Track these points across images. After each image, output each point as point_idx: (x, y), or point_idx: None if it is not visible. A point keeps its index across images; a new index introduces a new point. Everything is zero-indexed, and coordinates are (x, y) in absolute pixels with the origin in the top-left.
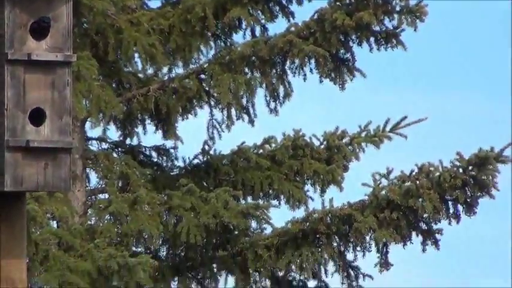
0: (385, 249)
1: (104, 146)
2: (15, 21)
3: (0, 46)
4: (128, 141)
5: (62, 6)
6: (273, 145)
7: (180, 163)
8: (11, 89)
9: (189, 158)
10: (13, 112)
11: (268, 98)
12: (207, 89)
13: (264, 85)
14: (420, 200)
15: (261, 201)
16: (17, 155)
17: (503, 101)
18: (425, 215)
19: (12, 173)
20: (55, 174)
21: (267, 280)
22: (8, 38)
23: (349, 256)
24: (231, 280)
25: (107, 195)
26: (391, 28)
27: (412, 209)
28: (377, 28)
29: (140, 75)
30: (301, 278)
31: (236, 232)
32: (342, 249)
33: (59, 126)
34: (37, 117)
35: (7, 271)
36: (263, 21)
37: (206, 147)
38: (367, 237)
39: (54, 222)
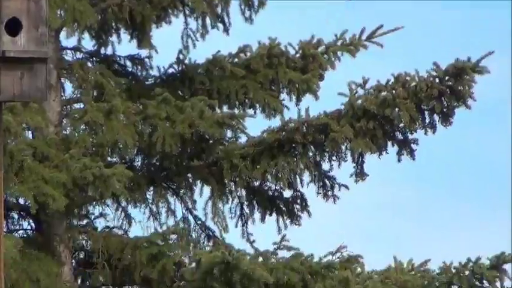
0: (360, 159)
1: (79, 55)
2: None
3: None
4: (102, 50)
5: None
6: (248, 54)
7: (155, 72)
8: None
9: (164, 67)
10: None
11: (243, 7)
12: None
13: None
14: (396, 109)
15: (236, 111)
16: None
17: (483, 8)
18: (401, 125)
19: None
20: (31, 84)
21: (243, 190)
22: None
23: (325, 166)
24: (207, 190)
25: (82, 105)
26: None
27: (388, 118)
28: None
29: None
30: (277, 187)
31: (211, 141)
32: (318, 159)
33: (35, 36)
34: (13, 27)
35: None
36: None
37: (181, 56)
38: (343, 147)
39: (29, 132)
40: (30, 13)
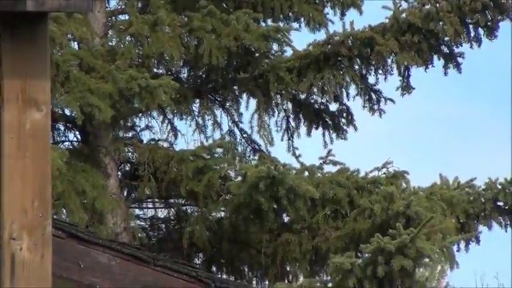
0: (406, 73)
1: None
2: None
3: None
4: None
5: None
6: None
7: None
8: None
9: None
10: None
11: None
12: None
13: None
14: (441, 23)
15: (281, 24)
16: None
17: None
18: (446, 38)
19: None
20: None
21: (289, 103)
22: None
23: (371, 79)
24: (253, 102)
25: (127, 17)
26: None
27: (433, 32)
28: None
29: None
30: (323, 100)
31: (257, 54)
32: (364, 72)
33: None
34: None
35: (31, 92)
36: None
37: None
38: (389, 61)
39: (75, 43)
40: None
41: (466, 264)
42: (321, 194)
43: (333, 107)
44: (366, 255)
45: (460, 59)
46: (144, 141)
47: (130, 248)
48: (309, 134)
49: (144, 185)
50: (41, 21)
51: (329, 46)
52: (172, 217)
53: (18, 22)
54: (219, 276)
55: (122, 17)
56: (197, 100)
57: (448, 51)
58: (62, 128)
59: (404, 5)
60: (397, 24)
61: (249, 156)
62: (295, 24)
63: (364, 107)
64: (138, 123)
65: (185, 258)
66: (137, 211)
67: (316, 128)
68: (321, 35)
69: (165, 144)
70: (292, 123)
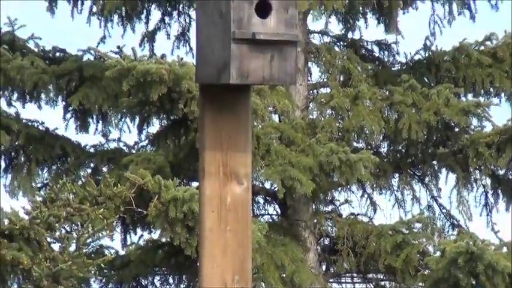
0: None
1: (326, 39)
2: None
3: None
4: (349, 35)
5: None
6: (494, 42)
7: (402, 58)
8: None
9: (410, 53)
10: (239, 3)
11: None
12: None
13: None
14: None
15: (481, 99)
16: (242, 48)
17: None
18: None
19: (238, 65)
20: (280, 68)
21: (487, 178)
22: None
23: None
24: (452, 177)
25: (328, 90)
26: None
27: None
28: None
29: None
30: None
31: (457, 129)
32: None
33: (284, 18)
34: (263, 8)
35: (232, 165)
36: None
37: (427, 42)
38: None
39: (276, 116)
40: None
41: None
42: None
43: None
44: None
45: None
46: (344, 216)
47: None
48: (507, 209)
49: (343, 259)
50: (244, 93)
51: None
52: None
53: (220, 94)
54: None
55: (323, 90)
56: (396, 174)
57: None
58: (262, 201)
59: None
60: None
61: (448, 231)
62: (495, 99)
63: None
64: (338, 197)
65: None
66: (336, 286)
67: None
68: None
69: (364, 219)
70: (491, 199)
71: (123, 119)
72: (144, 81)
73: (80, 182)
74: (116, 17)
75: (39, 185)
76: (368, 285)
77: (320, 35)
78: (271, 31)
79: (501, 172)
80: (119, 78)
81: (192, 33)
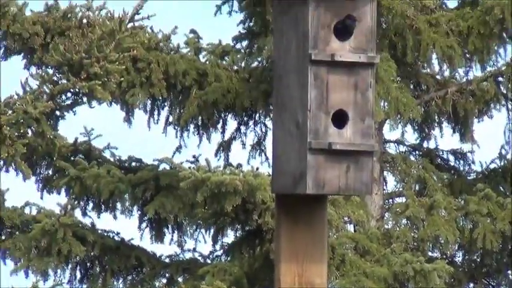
0: None
1: (402, 148)
2: (319, 21)
3: (304, 46)
4: (425, 144)
5: (366, 6)
6: None
7: (477, 167)
8: (314, 89)
9: (485, 162)
10: (316, 113)
11: None
12: (504, 91)
13: None
14: None
15: None
16: (319, 158)
17: None
18: None
19: (314, 175)
20: (357, 178)
21: None
22: (311, 38)
23: None
24: None
25: (403, 199)
26: None
27: None
28: None
29: (438, 77)
30: None
31: None
32: None
33: (361, 129)
34: (339, 119)
35: (308, 276)
36: None
37: (503, 151)
38: None
39: (351, 226)
40: (357, 105)
41: None
42: None
43: None
44: None
45: None
46: None
47: None
48: None
49: None
50: (320, 204)
51: None
52: None
53: (296, 204)
54: None
55: (398, 200)
56: (471, 284)
57: None
58: None
59: None
60: None
61: None
62: None
63: None
64: None
65: None
66: None
67: None
68: None
69: None
70: None
71: (198, 230)
72: (219, 192)
73: None
74: (191, 127)
75: None
76: None
77: (396, 144)
78: (348, 141)
79: None
80: (194, 189)
81: (268, 143)
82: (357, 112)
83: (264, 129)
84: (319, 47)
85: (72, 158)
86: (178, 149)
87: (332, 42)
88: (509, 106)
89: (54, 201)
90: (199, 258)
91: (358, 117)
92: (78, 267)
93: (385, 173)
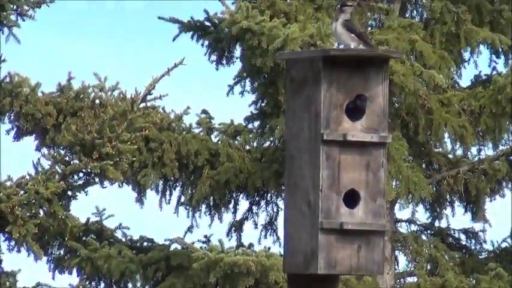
0: None
1: (413, 228)
2: (332, 101)
3: (316, 126)
4: (436, 223)
5: (378, 86)
6: None
7: (489, 246)
8: (326, 169)
9: (497, 241)
10: (327, 193)
11: None
12: None
13: None
14: None
15: None
16: (330, 237)
17: None
18: None
19: (325, 255)
20: (368, 257)
21: None
22: (323, 118)
23: None
24: None
25: (415, 279)
26: None
27: None
28: None
29: (450, 156)
30: None
31: None
32: None
33: (372, 209)
34: (351, 198)
35: None
36: None
37: None
38: None
39: None
40: (368, 184)
41: None
42: None
43: None
44: None
45: None
46: None
47: None
48: None
49: None
50: (332, 283)
51: None
52: None
53: (308, 284)
54: None
55: (410, 279)
56: None
57: None
58: None
59: None
60: None
61: None
62: None
63: None
64: None
65: None
66: None
67: None
68: None
69: None
70: None
71: None
72: (232, 273)
73: None
74: (203, 207)
75: None
76: None
77: (407, 223)
78: (359, 221)
79: None
80: (207, 269)
81: (280, 222)
82: (369, 192)
83: (275, 209)
84: (331, 127)
85: (84, 238)
86: (190, 229)
87: (344, 122)
88: None
89: (66, 282)
90: None
91: (369, 197)
92: None
93: (396, 252)
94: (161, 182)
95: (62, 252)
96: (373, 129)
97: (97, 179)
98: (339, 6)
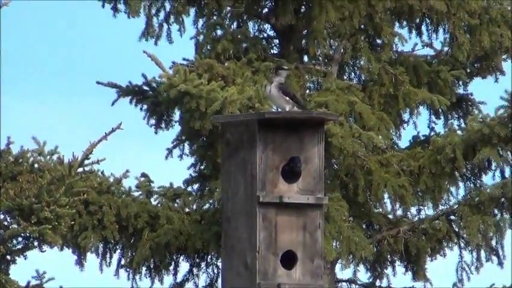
0: None
1: (354, 287)
2: (267, 163)
3: (252, 188)
4: (377, 283)
5: (313, 148)
6: None
7: None
8: (263, 231)
9: None
10: (264, 254)
11: None
12: (456, 230)
13: None
14: None
15: None
16: None
17: None
18: None
19: None
20: None
21: None
22: (259, 180)
23: None
24: None
25: None
26: None
27: None
28: None
29: (390, 216)
30: None
31: None
32: None
33: (310, 269)
34: (288, 259)
35: None
36: None
37: None
38: None
39: None
40: (306, 245)
41: None
42: None
43: None
44: None
45: None
46: None
47: None
48: None
49: None
50: None
51: None
52: None
53: None
54: None
55: None
56: None
57: None
58: None
59: None
60: None
61: None
62: None
63: None
64: None
65: None
66: None
67: None
68: None
69: None
70: None
71: None
72: None
73: None
74: (144, 269)
75: None
76: None
77: (348, 283)
78: (297, 282)
79: None
80: None
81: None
82: (306, 253)
83: (216, 271)
84: (267, 188)
85: None
86: None
87: (280, 184)
88: (461, 244)
89: None
90: None
91: (307, 258)
92: None
93: None
94: (101, 244)
95: None
96: (309, 191)
97: (36, 243)
98: (274, 69)
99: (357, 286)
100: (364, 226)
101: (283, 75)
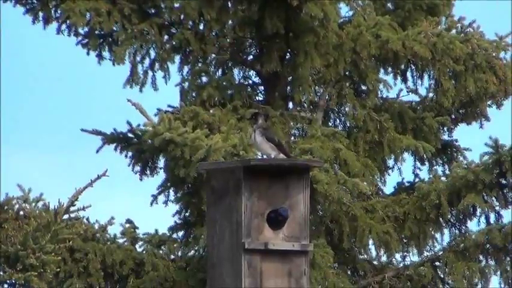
0: None
1: None
2: (253, 210)
3: (238, 235)
4: None
5: (299, 195)
6: None
7: None
8: (248, 278)
9: None
10: None
11: (502, 285)
12: (441, 276)
13: (498, 273)
14: None
15: None
16: None
17: None
18: None
19: None
20: None
21: None
22: (245, 227)
23: None
24: None
25: None
26: None
27: None
28: None
29: (374, 262)
30: None
31: None
32: None
33: None
34: None
35: None
36: (497, 208)
37: None
38: None
39: None
40: None
41: None
42: None
43: None
44: None
45: None
46: None
47: None
48: None
49: None
50: None
51: None
52: None
53: None
54: None
55: None
56: None
57: None
58: None
59: None
60: None
61: None
62: None
63: None
64: None
65: None
66: None
67: None
68: None
69: None
70: None
71: None
72: None
73: None
74: None
75: None
76: None
77: None
78: None
79: None
80: None
81: None
82: None
83: None
84: (252, 235)
85: None
86: None
87: (265, 230)
88: None
89: None
90: None
91: None
92: None
93: None
94: None
95: None
96: (294, 238)
97: None
98: (252, 115)
99: None
100: (349, 272)
101: (261, 118)
